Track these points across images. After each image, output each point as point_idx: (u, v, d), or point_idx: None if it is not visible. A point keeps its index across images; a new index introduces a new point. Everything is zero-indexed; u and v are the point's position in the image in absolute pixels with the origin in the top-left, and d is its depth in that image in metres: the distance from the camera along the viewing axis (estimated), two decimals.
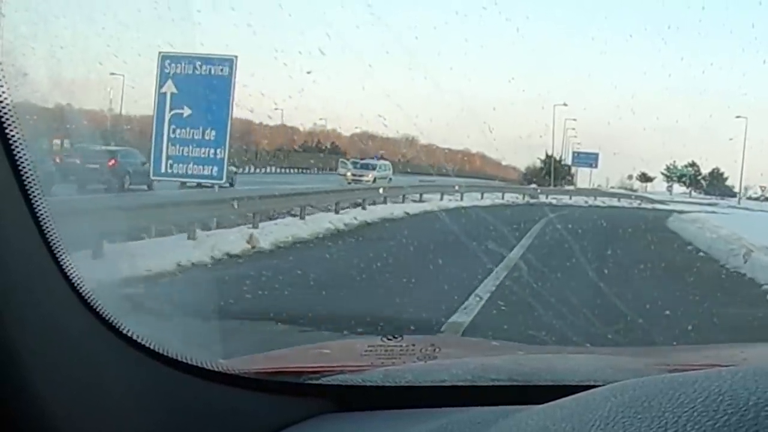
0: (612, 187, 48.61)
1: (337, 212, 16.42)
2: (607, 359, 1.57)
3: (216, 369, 1.03)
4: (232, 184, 24.72)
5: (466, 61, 67.79)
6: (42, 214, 0.82)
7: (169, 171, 13.16)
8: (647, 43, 74.60)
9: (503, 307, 7.44)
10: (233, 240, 10.97)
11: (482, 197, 28.07)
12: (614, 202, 36.90)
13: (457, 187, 26.28)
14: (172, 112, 12.96)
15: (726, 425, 0.64)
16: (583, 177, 48.61)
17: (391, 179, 30.25)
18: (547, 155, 48.24)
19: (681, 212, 26.04)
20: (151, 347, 0.95)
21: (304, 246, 11.97)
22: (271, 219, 13.58)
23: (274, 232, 12.23)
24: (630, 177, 51.95)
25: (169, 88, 12.96)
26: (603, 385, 0.83)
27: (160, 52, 13.01)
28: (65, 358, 0.84)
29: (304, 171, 39.58)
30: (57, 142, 18.38)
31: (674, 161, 50.67)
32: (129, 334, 0.93)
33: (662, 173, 51.57)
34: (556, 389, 0.99)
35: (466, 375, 1.21)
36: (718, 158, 52.65)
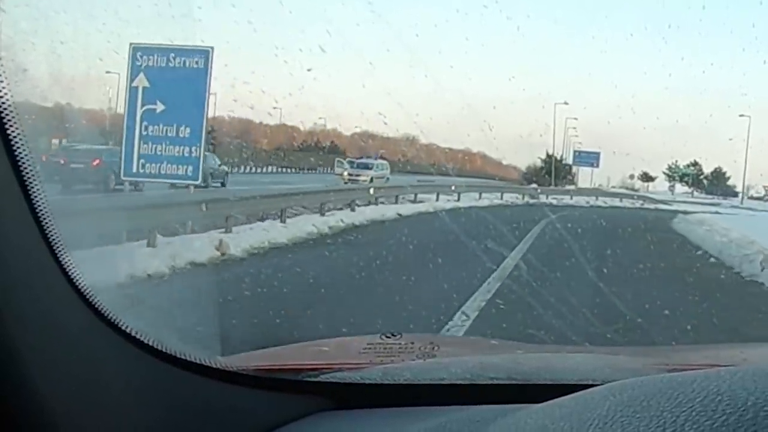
0: (613, 187, 48.61)
1: (322, 214, 15.53)
2: (606, 359, 1.57)
3: (214, 366, 1.03)
4: (223, 184, 24.65)
5: (467, 60, 68.02)
6: (41, 211, 0.83)
7: (141, 171, 12.34)
8: (648, 42, 74.60)
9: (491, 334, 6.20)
10: (199, 247, 9.89)
11: (480, 197, 27.75)
12: (616, 202, 36.63)
13: (453, 188, 25.94)
14: (144, 108, 12.14)
15: (725, 425, 0.64)
16: (584, 177, 48.62)
17: (388, 179, 30.17)
18: (547, 154, 48.27)
19: (686, 213, 25.58)
20: (150, 343, 0.95)
21: (279, 253, 10.85)
22: (249, 222, 12.70)
23: (249, 237, 11.33)
24: (631, 176, 51.99)
25: (141, 81, 12.14)
26: (602, 384, 0.83)
27: (131, 43, 12.21)
28: (64, 355, 0.84)
29: (303, 171, 39.55)
30: (56, 141, 18.37)
31: (676, 161, 50.71)
32: (128, 331, 0.93)
33: (664, 173, 51.61)
34: (555, 388, 0.99)
35: (464, 373, 1.20)
36: (719, 157, 52.63)
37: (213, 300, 6.39)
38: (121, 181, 13.80)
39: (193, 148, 12.29)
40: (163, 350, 0.97)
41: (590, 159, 46.94)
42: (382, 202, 20.30)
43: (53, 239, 0.84)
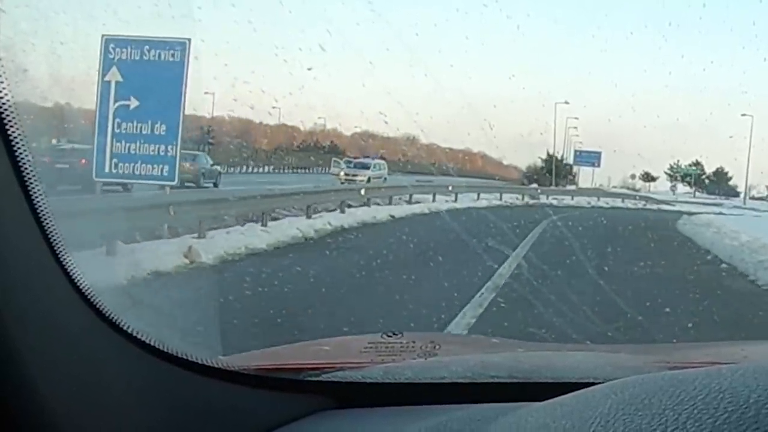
0: (614, 187, 48.59)
1: (309, 217, 14.71)
2: (607, 356, 1.57)
3: (215, 365, 1.03)
4: (216, 185, 24.53)
5: (467, 59, 68.08)
6: (42, 211, 0.83)
7: (114, 171, 11.50)
8: (648, 40, 74.70)
9: None
10: (165, 254, 9.09)
11: (478, 197, 27.45)
12: (618, 202, 36.35)
13: (450, 188, 25.68)
14: (117, 104, 11.32)
15: (726, 423, 0.63)
16: (585, 176, 48.62)
17: (386, 179, 30.13)
18: (548, 154, 48.28)
19: (690, 214, 25.21)
20: (151, 343, 0.95)
21: (257, 260, 9.95)
22: (228, 226, 11.98)
23: (224, 243, 10.55)
24: (633, 176, 51.97)
25: (114, 75, 11.31)
26: (603, 382, 0.83)
27: (103, 35, 11.36)
28: (65, 355, 0.84)
29: (301, 171, 39.50)
30: (55, 141, 18.32)
31: (678, 160, 50.71)
32: (129, 331, 0.93)
33: (666, 172, 51.60)
34: (556, 386, 0.98)
35: (465, 372, 1.21)
36: (719, 156, 52.76)
37: (170, 315, 5.37)
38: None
39: (170, 147, 11.49)
40: (164, 350, 0.97)
41: (591, 159, 46.90)
42: (376, 203, 19.68)
43: (54, 240, 0.85)
